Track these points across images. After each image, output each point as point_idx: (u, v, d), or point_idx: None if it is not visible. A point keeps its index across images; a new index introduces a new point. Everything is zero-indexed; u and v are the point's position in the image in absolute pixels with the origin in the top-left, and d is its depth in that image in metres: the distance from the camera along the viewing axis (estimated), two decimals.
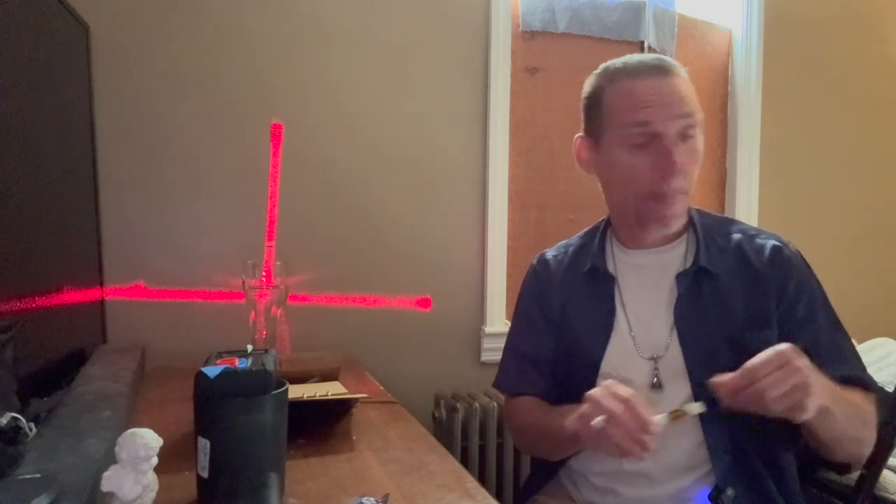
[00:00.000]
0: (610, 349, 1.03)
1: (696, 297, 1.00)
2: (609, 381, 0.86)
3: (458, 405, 1.69)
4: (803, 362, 0.79)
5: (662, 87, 0.96)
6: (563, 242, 1.20)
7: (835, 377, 0.90)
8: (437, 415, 1.75)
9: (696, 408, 0.84)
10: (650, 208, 0.99)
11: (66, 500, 0.64)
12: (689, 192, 0.99)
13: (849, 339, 1.01)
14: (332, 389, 1.17)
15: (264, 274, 1.38)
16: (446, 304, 1.83)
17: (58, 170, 1.25)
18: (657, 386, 0.98)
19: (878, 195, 2.41)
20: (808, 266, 1.03)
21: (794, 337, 0.95)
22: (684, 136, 0.96)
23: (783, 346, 0.80)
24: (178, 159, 1.59)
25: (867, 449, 0.95)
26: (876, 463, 1.07)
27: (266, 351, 0.82)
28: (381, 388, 1.35)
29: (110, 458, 0.69)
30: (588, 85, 1.05)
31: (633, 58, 1.01)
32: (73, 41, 1.40)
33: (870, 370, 1.78)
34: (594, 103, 1.02)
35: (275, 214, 1.59)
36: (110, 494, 0.66)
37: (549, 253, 1.20)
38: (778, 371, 0.78)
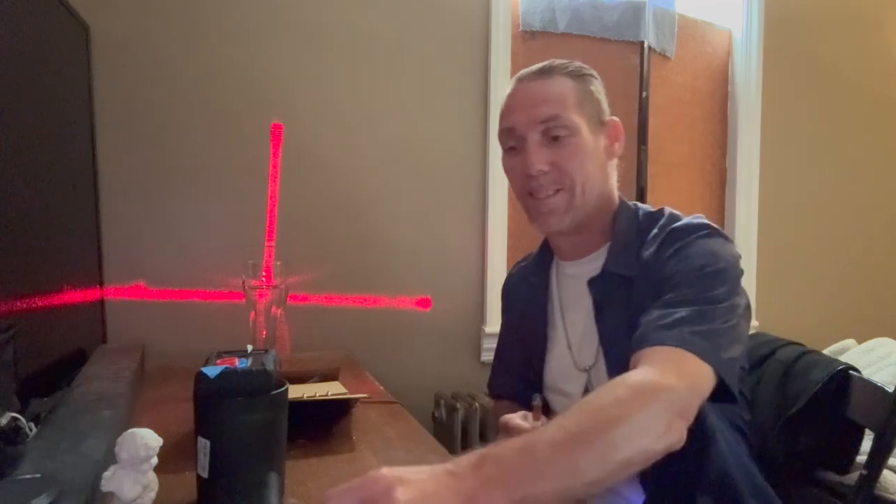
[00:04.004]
0: (551, 361, 1.05)
1: (613, 305, 0.94)
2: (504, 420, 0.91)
3: (458, 405, 1.69)
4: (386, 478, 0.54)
5: (533, 89, 0.94)
6: (533, 251, 1.16)
7: (657, 337, 0.76)
8: (437, 415, 1.75)
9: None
10: (529, 205, 0.97)
11: (66, 500, 0.64)
12: (577, 189, 0.93)
13: (717, 320, 0.80)
14: (332, 389, 1.17)
15: (264, 274, 1.39)
16: (446, 304, 1.83)
17: (58, 170, 1.25)
18: None
19: (877, 195, 2.41)
20: (719, 241, 0.88)
21: (657, 292, 0.84)
22: (552, 137, 0.92)
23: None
24: (178, 159, 1.59)
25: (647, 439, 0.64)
26: (876, 463, 1.06)
27: (266, 351, 0.82)
28: (381, 388, 1.35)
29: (110, 458, 0.69)
30: None
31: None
32: (73, 41, 1.39)
33: (870, 370, 1.76)
34: None
35: (275, 214, 1.59)
36: (110, 494, 0.66)
37: (519, 262, 1.20)
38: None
